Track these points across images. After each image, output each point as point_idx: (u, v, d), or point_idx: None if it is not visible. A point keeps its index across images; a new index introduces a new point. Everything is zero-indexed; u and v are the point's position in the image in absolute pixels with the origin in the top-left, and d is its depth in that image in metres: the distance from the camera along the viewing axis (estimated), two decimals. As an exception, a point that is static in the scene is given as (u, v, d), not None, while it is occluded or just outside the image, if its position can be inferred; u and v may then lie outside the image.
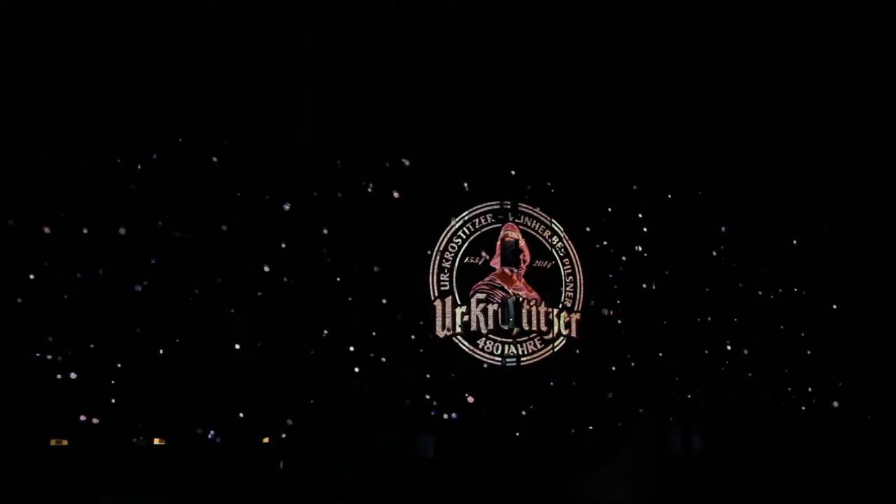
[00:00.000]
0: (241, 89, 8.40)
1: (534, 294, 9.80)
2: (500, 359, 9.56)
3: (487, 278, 9.73)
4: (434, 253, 9.50)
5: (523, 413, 9.40)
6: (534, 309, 9.71)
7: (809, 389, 10.78)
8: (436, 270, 9.52)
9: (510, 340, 9.58)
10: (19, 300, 7.59)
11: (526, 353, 9.70)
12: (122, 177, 8.02)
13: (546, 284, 10.01)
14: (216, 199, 8.39)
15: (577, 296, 10.09)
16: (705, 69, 9.93)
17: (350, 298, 8.76)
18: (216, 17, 8.19)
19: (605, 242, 10.29)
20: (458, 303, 9.51)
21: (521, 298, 9.61)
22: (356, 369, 8.69)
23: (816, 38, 9.85)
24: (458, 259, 9.66)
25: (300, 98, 8.80)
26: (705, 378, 10.33)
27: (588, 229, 10.24)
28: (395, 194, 9.04)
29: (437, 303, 9.43)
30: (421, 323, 9.23)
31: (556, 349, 9.79)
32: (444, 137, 9.37)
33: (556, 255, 10.13)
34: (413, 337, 9.10)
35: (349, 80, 8.91)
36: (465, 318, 9.50)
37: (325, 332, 8.62)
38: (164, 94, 8.13)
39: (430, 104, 9.26)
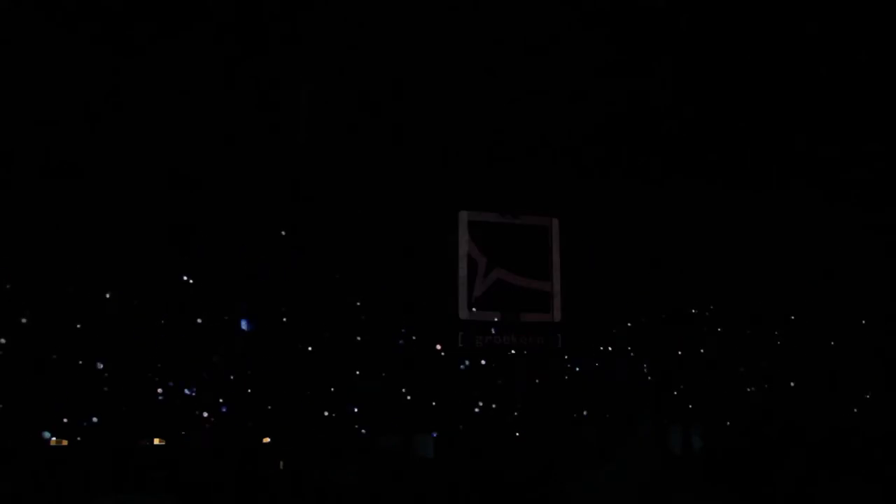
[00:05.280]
0: (239, 88, 8.43)
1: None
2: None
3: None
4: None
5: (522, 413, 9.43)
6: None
7: (809, 389, 10.79)
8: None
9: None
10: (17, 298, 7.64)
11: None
12: (117, 177, 8.05)
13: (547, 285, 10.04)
14: (217, 197, 8.44)
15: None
16: (706, 69, 9.95)
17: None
18: (214, 16, 8.21)
19: (605, 243, 10.31)
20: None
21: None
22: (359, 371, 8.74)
23: (818, 38, 9.86)
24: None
25: (298, 98, 8.82)
26: (705, 378, 10.35)
27: (587, 230, 10.25)
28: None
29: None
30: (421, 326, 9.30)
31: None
32: (444, 138, 9.40)
33: (556, 255, 10.13)
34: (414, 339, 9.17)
35: (348, 80, 8.93)
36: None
37: (327, 334, 8.66)
38: (160, 93, 8.17)
39: (429, 104, 9.29)
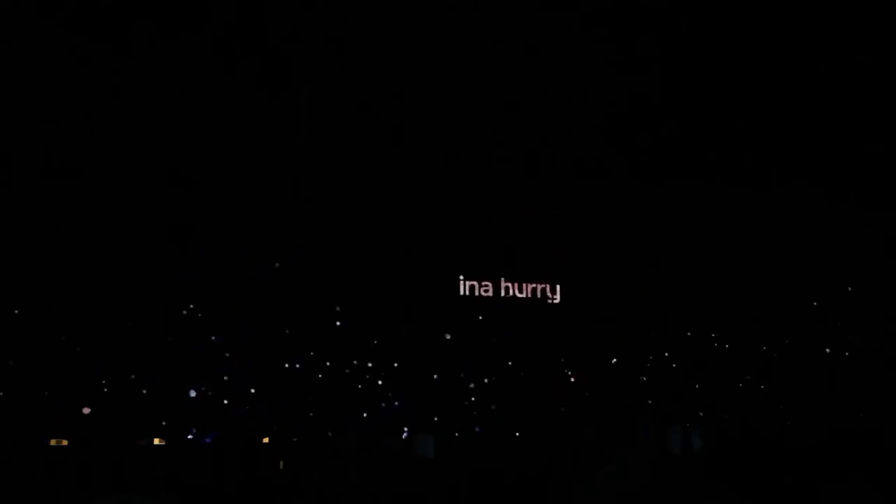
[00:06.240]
0: (239, 88, 8.43)
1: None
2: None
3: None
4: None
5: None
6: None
7: (809, 389, 10.78)
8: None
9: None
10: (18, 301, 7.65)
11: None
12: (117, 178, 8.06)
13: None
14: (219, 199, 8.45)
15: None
16: (706, 69, 9.95)
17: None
18: (214, 16, 8.21)
19: (605, 243, 10.31)
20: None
21: None
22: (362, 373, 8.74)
23: (817, 38, 9.86)
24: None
25: (298, 98, 8.82)
26: (705, 378, 10.35)
27: (587, 230, 10.26)
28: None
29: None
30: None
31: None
32: (444, 138, 9.40)
33: (556, 255, 10.17)
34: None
35: (349, 80, 8.93)
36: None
37: (326, 334, 8.67)
38: (160, 93, 8.17)
39: (429, 104, 9.28)
